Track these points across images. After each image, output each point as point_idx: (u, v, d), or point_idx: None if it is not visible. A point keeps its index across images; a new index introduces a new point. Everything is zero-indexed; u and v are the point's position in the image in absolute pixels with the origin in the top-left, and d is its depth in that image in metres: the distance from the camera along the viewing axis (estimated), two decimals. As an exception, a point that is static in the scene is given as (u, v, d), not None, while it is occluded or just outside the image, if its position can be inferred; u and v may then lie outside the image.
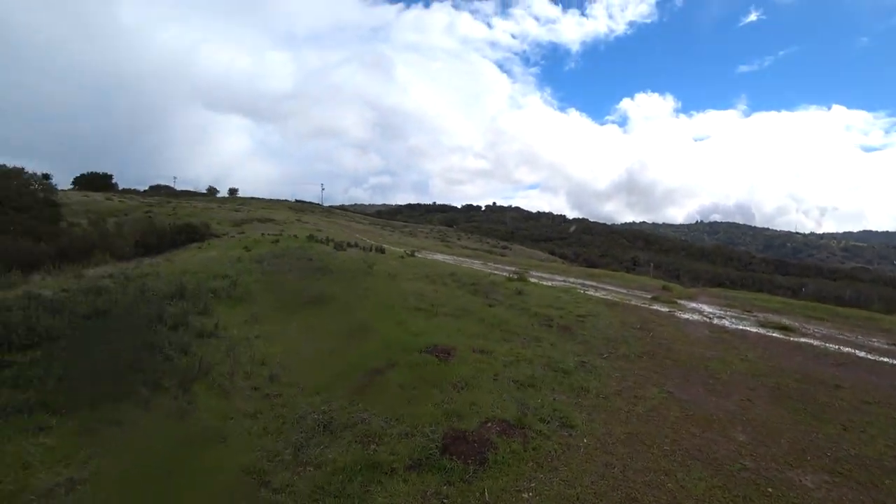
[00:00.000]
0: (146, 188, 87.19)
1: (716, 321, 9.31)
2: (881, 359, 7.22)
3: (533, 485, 3.37)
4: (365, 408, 4.35)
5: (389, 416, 4.22)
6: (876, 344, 8.36)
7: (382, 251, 17.37)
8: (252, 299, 7.80)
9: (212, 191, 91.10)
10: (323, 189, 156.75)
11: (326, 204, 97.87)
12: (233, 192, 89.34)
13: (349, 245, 17.20)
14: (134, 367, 5.27)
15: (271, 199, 77.93)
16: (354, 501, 3.12)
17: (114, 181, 73.29)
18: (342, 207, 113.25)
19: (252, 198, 78.35)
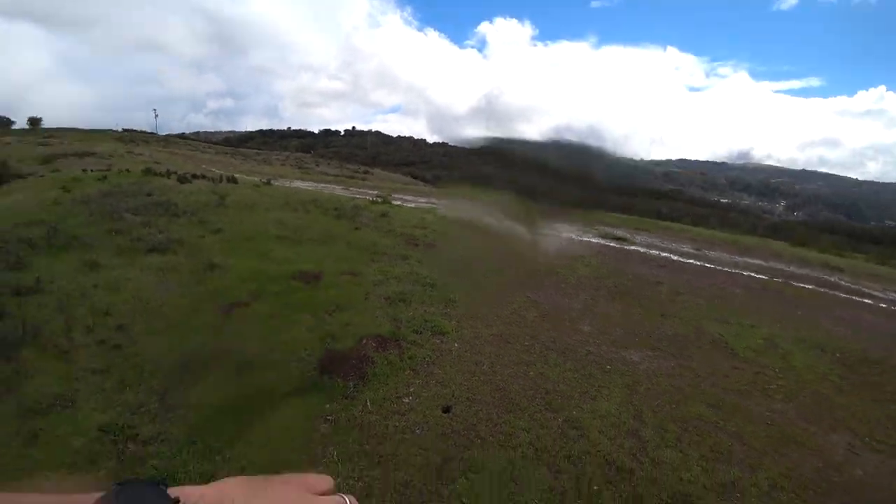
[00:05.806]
0: None
1: (563, 235, 10.47)
2: (688, 261, 8.93)
3: (411, 389, 3.60)
4: (232, 341, 4.14)
5: (261, 346, 4.08)
6: (685, 249, 10.29)
7: (235, 181, 15.87)
8: (82, 246, 6.68)
9: (6, 122, 72.38)
10: (156, 116, 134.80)
11: (163, 133, 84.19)
12: (35, 122, 71.70)
13: (195, 177, 15.33)
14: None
15: (91, 130, 63.96)
16: (234, 435, 3.03)
17: None
18: (182, 136, 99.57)
19: (63, 128, 63.68)
